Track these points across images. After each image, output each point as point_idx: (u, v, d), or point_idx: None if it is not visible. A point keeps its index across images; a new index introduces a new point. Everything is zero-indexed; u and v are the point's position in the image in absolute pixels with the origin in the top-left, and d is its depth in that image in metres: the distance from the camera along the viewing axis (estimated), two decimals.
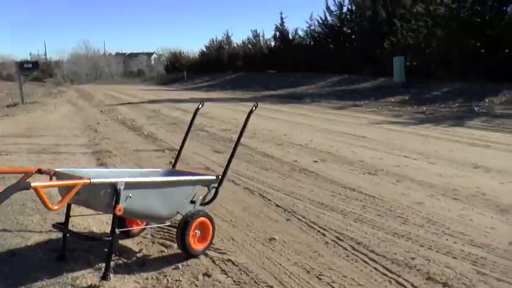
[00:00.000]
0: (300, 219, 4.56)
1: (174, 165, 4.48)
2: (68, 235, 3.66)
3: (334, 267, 3.51)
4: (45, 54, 78.45)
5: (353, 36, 28.12)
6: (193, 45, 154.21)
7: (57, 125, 12.72)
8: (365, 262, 3.58)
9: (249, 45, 40.80)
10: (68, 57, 69.47)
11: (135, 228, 4.10)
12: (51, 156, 8.02)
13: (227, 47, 44.93)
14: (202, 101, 4.60)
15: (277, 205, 5.02)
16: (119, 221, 3.47)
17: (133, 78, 57.14)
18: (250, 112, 4.05)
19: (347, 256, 3.70)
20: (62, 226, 3.62)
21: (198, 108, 4.52)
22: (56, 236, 4.07)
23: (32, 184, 2.80)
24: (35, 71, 22.44)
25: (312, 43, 32.51)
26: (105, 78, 60.80)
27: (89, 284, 3.22)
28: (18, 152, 8.34)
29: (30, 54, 76.89)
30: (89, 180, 3.10)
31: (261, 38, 40.53)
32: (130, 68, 67.32)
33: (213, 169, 6.77)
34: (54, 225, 3.68)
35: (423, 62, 21.10)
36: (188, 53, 56.13)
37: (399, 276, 3.34)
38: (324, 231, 4.22)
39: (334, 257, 3.68)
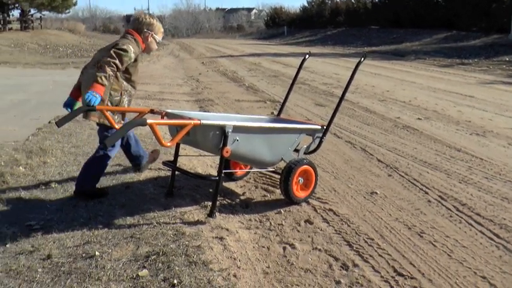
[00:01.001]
0: (402, 176, 4.46)
1: (279, 114, 4.52)
2: (176, 173, 3.86)
3: (436, 226, 3.42)
4: (148, 9, 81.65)
5: None
6: (294, 1, 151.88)
7: (161, 75, 13.28)
8: (470, 224, 3.45)
9: (352, 0, 39.50)
10: (170, 12, 71.70)
11: (239, 172, 4.24)
12: (157, 102, 8.42)
13: (329, 1, 43.79)
14: (309, 51, 4.53)
15: (379, 160, 4.94)
16: (224, 163, 3.59)
17: (232, 33, 57.68)
18: (359, 63, 3.96)
19: (450, 216, 3.58)
20: (172, 164, 3.81)
21: (304, 59, 4.46)
22: (164, 174, 4.32)
23: (148, 121, 2.97)
24: None
25: None
26: (205, 33, 62.01)
27: (196, 219, 3.40)
28: None
29: (135, 9, 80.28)
30: (199, 121, 3.22)
31: None
32: (230, 23, 67.97)
33: (315, 121, 6.76)
34: (164, 163, 3.88)
35: None
36: (289, 9, 55.64)
37: (508, 242, 3.19)
38: (427, 190, 4.10)
39: (436, 216, 3.58)
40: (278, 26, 48.85)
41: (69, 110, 3.73)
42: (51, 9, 32.27)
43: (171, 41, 43.11)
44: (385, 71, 13.46)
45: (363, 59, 3.96)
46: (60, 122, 3.45)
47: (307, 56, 4.48)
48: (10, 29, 29.86)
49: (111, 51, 3.49)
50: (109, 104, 3.60)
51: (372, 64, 15.30)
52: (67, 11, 35.29)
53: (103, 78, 3.42)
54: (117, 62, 3.47)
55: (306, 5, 47.03)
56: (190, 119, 3.29)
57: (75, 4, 35.32)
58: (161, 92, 9.58)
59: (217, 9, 78.16)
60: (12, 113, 7.30)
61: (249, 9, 78.19)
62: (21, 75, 12.87)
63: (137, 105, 8.03)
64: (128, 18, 22.02)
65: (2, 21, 29.29)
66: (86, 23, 52.79)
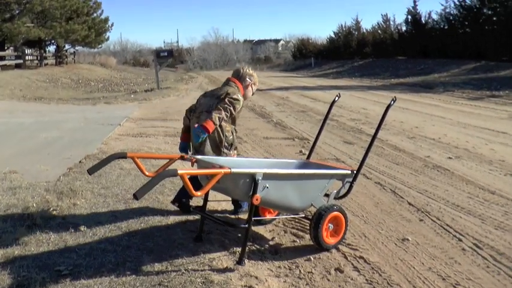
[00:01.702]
0: (434, 221, 4.36)
1: (308, 157, 4.51)
2: (205, 219, 3.86)
3: (472, 277, 3.30)
4: (177, 42, 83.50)
5: (494, 18, 25.94)
6: (320, 32, 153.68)
7: None
8: (510, 276, 3.31)
9: (379, 31, 39.62)
10: (198, 45, 72.84)
11: (268, 217, 4.21)
12: None
13: (356, 32, 44.03)
14: (338, 94, 4.53)
15: (409, 203, 4.85)
16: (254, 210, 3.57)
17: (260, 64, 58.33)
18: (389, 106, 3.92)
19: (487, 267, 3.45)
20: (201, 210, 3.82)
21: (334, 101, 4.46)
22: (192, 217, 4.32)
23: (179, 171, 2.99)
24: (170, 58, 23.80)
25: (446, 27, 30.66)
26: (233, 64, 62.76)
27: (225, 266, 3.37)
28: (155, 135, 8.96)
29: (164, 42, 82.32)
30: (229, 170, 3.23)
31: (391, 23, 39.19)
32: (258, 54, 68.84)
33: (343, 160, 6.74)
34: (193, 209, 3.91)
35: None
36: (316, 40, 56.07)
37: None
38: (461, 236, 3.99)
39: (472, 266, 3.46)
40: (305, 57, 49.25)
41: (186, 153, 4.22)
42: (85, 44, 33.34)
43: (199, 73, 43.78)
44: (413, 105, 13.35)
45: (392, 102, 3.93)
46: (91, 170, 3.51)
47: (336, 97, 4.48)
48: (46, 64, 30.86)
49: (227, 100, 3.97)
50: (226, 144, 4.08)
51: (400, 97, 15.16)
52: (99, 46, 36.37)
53: (217, 118, 3.91)
54: (231, 109, 3.97)
55: (333, 35, 47.41)
56: (220, 167, 3.30)
57: (107, 39, 36.50)
58: None
59: (245, 41, 79.24)
60: (46, 151, 7.46)
61: (276, 41, 79.04)
62: (55, 111, 13.20)
63: (166, 143, 8.14)
64: (158, 53, 22.41)
65: (39, 57, 30.39)
66: (116, 57, 54.27)
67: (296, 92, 18.71)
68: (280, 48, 76.27)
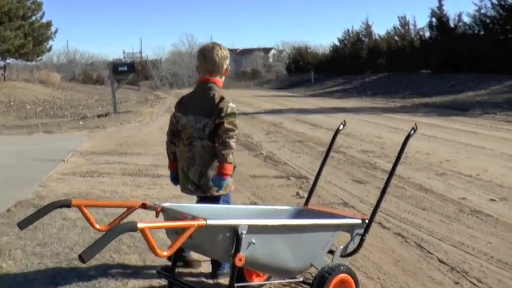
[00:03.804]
0: (475, 284, 4.34)
1: (306, 202, 4.50)
2: (174, 284, 3.81)
3: None
4: (141, 52, 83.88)
5: None
6: (322, 39, 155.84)
7: (156, 140, 13.39)
8: None
9: (396, 37, 40.34)
10: (167, 56, 73.33)
11: (256, 283, 4.16)
12: (150, 180, 8.45)
13: (366, 39, 44.82)
14: (343, 121, 4.57)
15: (440, 260, 4.84)
16: (237, 272, 3.53)
17: (246, 80, 58.93)
18: (408, 137, 3.95)
19: None
20: (168, 273, 3.78)
21: (338, 130, 4.49)
22: (158, 283, 4.26)
23: (139, 225, 2.96)
24: (131, 74, 23.93)
25: (481, 32, 31.22)
26: None
27: None
28: (111, 174, 8.90)
29: (124, 52, 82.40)
30: (204, 222, 3.20)
31: (411, 27, 39.97)
32: (243, 67, 69.49)
33: (352, 205, 6.73)
34: (159, 272, 3.87)
35: None
36: (316, 48, 56.97)
37: None
38: None
39: None
40: (303, 70, 49.93)
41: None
42: (19, 56, 33.44)
43: (168, 92, 44.07)
44: (442, 132, 13.48)
45: (413, 131, 3.95)
46: (23, 223, 3.46)
47: (341, 126, 4.51)
48: None
49: (226, 124, 4.10)
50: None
51: (425, 122, 15.36)
52: (38, 58, 36.49)
53: (231, 156, 4.10)
54: (236, 130, 4.16)
55: (337, 43, 48.12)
56: (193, 217, 3.27)
57: (49, 50, 36.69)
58: (156, 166, 9.64)
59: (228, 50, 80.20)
60: None
61: (267, 50, 79.80)
62: None
63: (125, 184, 8.08)
64: (115, 67, 22.29)
65: None
66: (61, 71, 54.48)
67: (291, 117, 18.83)
68: (271, 60, 77.12)
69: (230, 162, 4.09)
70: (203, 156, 4.19)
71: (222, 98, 4.18)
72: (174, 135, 4.38)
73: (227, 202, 4.32)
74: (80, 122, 18.13)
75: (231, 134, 4.10)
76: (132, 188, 7.82)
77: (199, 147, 4.19)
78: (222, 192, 4.23)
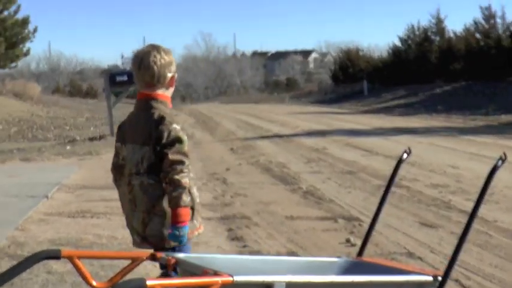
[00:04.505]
0: None
1: (360, 253, 4.51)
2: None
3: None
4: None
5: None
6: (378, 37, 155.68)
7: None
8: None
9: (477, 34, 39.91)
10: (178, 61, 73.56)
11: None
12: None
13: (437, 38, 44.52)
14: (408, 149, 4.57)
15: None
16: None
17: (279, 92, 58.97)
18: (494, 169, 3.97)
19: None
20: None
21: (401, 160, 4.48)
22: None
23: (148, 283, 3.02)
24: (132, 86, 24.01)
25: None
26: (234, 92, 63.57)
27: None
28: (107, 214, 9.00)
29: (123, 57, 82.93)
30: (230, 278, 3.25)
31: (497, 20, 39.47)
32: (276, 75, 69.61)
33: (420, 256, 6.71)
34: None
35: None
36: (370, 51, 56.71)
37: None
38: None
39: None
40: (353, 79, 49.80)
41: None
42: None
43: (180, 108, 44.22)
44: None
45: (500, 162, 3.97)
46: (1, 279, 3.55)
47: (405, 155, 4.50)
48: None
49: (171, 155, 3.91)
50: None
51: None
52: (13, 64, 36.84)
53: (184, 197, 3.88)
54: (186, 161, 3.94)
55: (399, 43, 47.79)
56: (215, 272, 3.32)
57: (26, 54, 36.91)
58: None
59: (255, 53, 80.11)
60: None
61: (306, 53, 79.85)
62: None
63: (124, 228, 8.13)
64: (112, 77, 22.31)
65: None
66: (42, 82, 55.20)
67: (338, 140, 18.81)
68: (311, 65, 77.23)
69: (185, 206, 3.91)
70: (143, 198, 4.04)
71: (161, 119, 4.01)
72: (117, 171, 4.25)
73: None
74: (67, 147, 18.31)
75: (179, 168, 3.91)
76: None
77: (137, 187, 4.05)
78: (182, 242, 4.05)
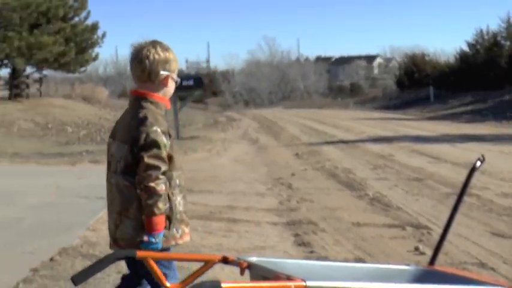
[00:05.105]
0: None
1: (432, 261, 4.43)
2: None
3: None
4: (208, 62, 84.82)
5: None
6: (444, 42, 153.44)
7: (229, 175, 13.60)
8: None
9: None
10: (242, 66, 73.82)
11: None
12: (224, 225, 8.61)
13: (507, 42, 43.68)
14: (482, 156, 4.47)
15: None
16: None
17: (343, 97, 58.73)
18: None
19: None
20: None
21: (474, 168, 4.38)
22: None
23: (223, 285, 3.01)
24: (197, 90, 24.18)
25: None
26: (298, 97, 63.50)
27: None
28: None
29: (187, 61, 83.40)
30: (303, 283, 3.22)
31: None
32: (339, 81, 69.41)
33: (492, 266, 6.60)
34: None
35: None
36: (437, 56, 55.98)
37: None
38: None
39: None
40: (418, 85, 49.26)
41: None
42: (59, 67, 34.15)
43: (243, 112, 44.38)
44: None
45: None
46: (78, 278, 3.57)
47: (478, 163, 4.40)
48: None
49: (147, 159, 3.75)
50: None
51: None
52: (82, 69, 37.35)
53: (160, 205, 3.73)
54: (162, 167, 3.77)
55: (466, 49, 47.08)
56: (288, 277, 3.31)
57: (94, 59, 37.37)
58: (231, 208, 9.79)
59: (318, 58, 79.93)
60: None
61: (370, 58, 79.44)
62: (7, 175, 13.56)
63: (193, 230, 8.21)
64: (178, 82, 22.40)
65: None
66: (109, 86, 55.88)
67: (405, 146, 18.66)
68: (376, 71, 76.70)
69: (160, 214, 3.76)
70: (118, 199, 3.94)
71: (143, 119, 3.86)
72: (107, 167, 4.15)
73: (165, 267, 3.85)
74: None
75: (154, 174, 3.75)
76: (203, 235, 7.94)
77: (114, 187, 3.97)
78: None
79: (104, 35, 36.54)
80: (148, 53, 3.91)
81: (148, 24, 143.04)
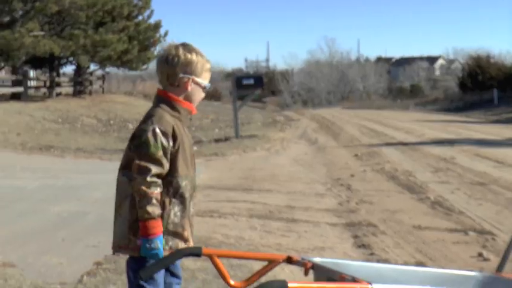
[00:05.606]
0: None
1: (500, 268, 4.36)
2: None
3: None
4: (267, 61, 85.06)
5: None
6: (510, 45, 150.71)
7: (288, 175, 13.58)
8: None
9: None
10: (301, 66, 73.67)
11: None
12: (284, 225, 8.60)
13: None
14: None
15: None
16: None
17: (403, 99, 58.13)
18: None
19: None
20: None
21: None
22: None
23: (290, 285, 3.01)
24: (258, 89, 24.15)
25: None
26: (357, 98, 63.07)
27: None
28: (235, 215, 9.13)
29: (246, 60, 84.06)
30: (369, 286, 3.20)
31: None
32: (400, 82, 68.73)
33: None
34: None
35: None
36: (502, 57, 55.02)
37: None
38: None
39: None
40: (482, 87, 48.51)
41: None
42: (122, 64, 34.62)
43: (302, 112, 44.31)
44: None
45: None
46: (145, 273, 3.61)
47: None
48: (59, 94, 32.67)
49: (138, 160, 3.66)
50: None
51: None
52: (144, 66, 37.82)
53: (148, 209, 3.62)
54: (153, 169, 3.64)
55: None
56: (354, 279, 3.29)
57: (156, 57, 37.77)
58: (290, 207, 9.79)
59: (379, 59, 79.33)
60: (59, 235, 7.80)
61: (432, 59, 78.54)
62: (72, 170, 13.84)
63: (253, 229, 8.27)
64: (238, 81, 22.48)
65: (48, 84, 32.15)
66: None
67: (467, 149, 18.40)
68: (437, 72, 75.85)
69: (150, 218, 3.63)
70: (116, 195, 3.86)
71: (146, 118, 3.78)
72: None
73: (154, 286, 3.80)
74: (194, 148, 18.64)
75: (142, 177, 3.63)
76: (262, 234, 7.97)
77: (117, 181, 3.88)
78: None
79: (166, 34, 37.01)
80: (169, 55, 3.84)
81: (208, 24, 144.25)
